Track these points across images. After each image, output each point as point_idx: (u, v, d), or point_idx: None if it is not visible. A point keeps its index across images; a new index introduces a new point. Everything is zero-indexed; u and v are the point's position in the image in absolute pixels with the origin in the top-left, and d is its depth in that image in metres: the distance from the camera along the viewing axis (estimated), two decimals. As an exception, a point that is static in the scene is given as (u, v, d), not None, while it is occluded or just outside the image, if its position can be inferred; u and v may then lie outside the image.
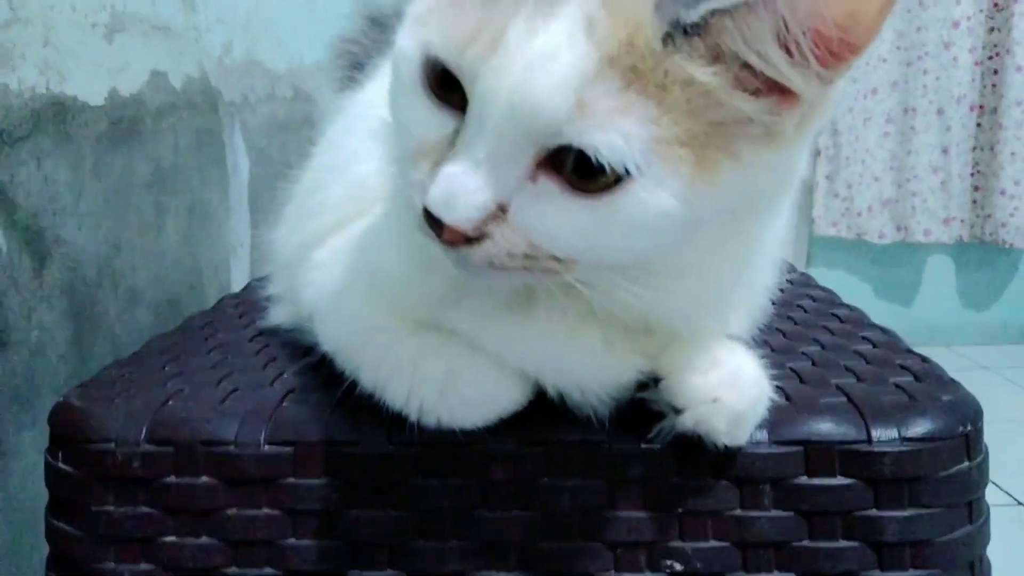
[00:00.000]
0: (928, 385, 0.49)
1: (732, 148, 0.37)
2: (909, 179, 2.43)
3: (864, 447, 0.44)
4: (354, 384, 0.47)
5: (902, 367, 0.52)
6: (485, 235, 0.39)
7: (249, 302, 0.73)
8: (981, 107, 2.43)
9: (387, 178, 0.49)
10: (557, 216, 0.38)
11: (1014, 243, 2.40)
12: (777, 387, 0.47)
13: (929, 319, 2.57)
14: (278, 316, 0.63)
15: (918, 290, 2.59)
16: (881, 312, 2.50)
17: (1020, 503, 1.61)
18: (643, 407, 0.45)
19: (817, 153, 2.44)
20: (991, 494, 1.60)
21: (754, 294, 0.52)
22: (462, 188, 0.38)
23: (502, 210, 0.38)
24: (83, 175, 0.77)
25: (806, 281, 0.77)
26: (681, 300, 0.44)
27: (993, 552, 1.50)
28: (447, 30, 0.38)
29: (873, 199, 2.45)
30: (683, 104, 0.36)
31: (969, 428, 0.46)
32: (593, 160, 0.36)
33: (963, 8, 2.35)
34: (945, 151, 2.43)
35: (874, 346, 0.57)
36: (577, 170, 0.37)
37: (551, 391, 0.46)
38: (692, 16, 0.35)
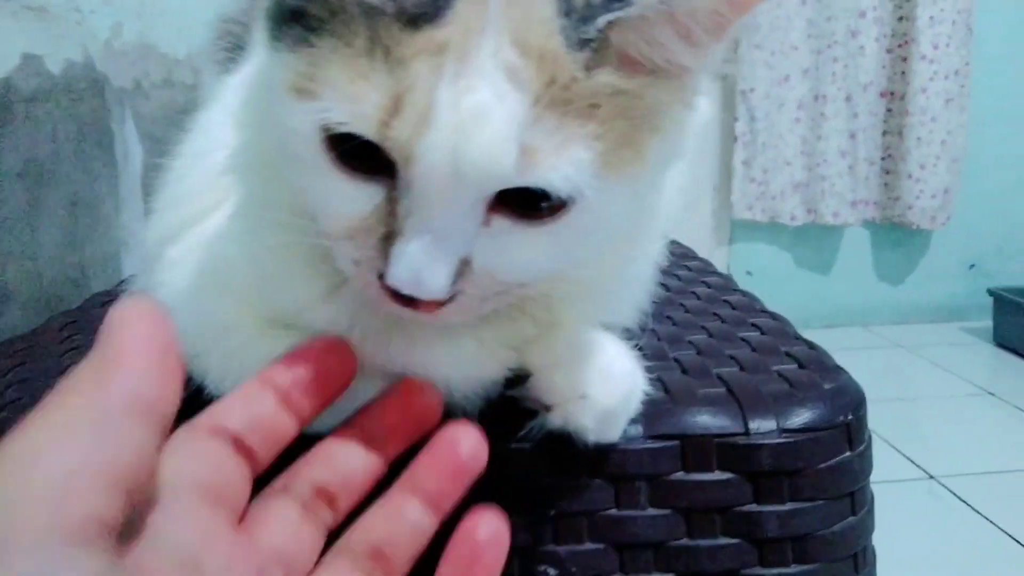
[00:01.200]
0: (811, 373, 0.48)
1: (656, 126, 0.38)
2: (819, 163, 2.48)
3: (742, 439, 0.42)
4: (201, 390, 0.44)
5: (787, 355, 0.51)
6: (458, 292, 0.37)
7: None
8: (892, 93, 2.49)
9: (237, 167, 0.46)
10: (518, 250, 0.38)
11: (920, 224, 2.48)
12: (656, 379, 0.45)
13: (845, 299, 2.64)
14: None
15: (833, 269, 2.65)
16: (799, 292, 2.59)
17: (932, 476, 1.66)
18: (513, 405, 0.43)
19: (735, 139, 2.47)
20: (906, 469, 1.63)
21: (638, 275, 0.51)
22: (427, 263, 0.36)
23: (465, 264, 0.37)
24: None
25: (704, 267, 0.76)
26: (580, 284, 0.44)
27: (909, 526, 1.53)
28: (354, 105, 0.35)
29: (785, 183, 2.49)
30: (615, 110, 0.36)
31: (850, 417, 0.44)
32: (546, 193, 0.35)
33: (870, -2, 2.40)
34: (853, 136, 2.49)
35: (762, 333, 0.56)
36: (525, 203, 0.36)
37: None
38: (592, 32, 0.34)
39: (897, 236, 2.62)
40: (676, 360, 0.51)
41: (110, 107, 1.07)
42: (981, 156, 2.54)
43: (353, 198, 0.37)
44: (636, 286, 0.51)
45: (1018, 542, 1.44)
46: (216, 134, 0.55)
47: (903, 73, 2.45)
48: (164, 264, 0.51)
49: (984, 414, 1.98)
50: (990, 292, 2.42)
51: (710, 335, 0.56)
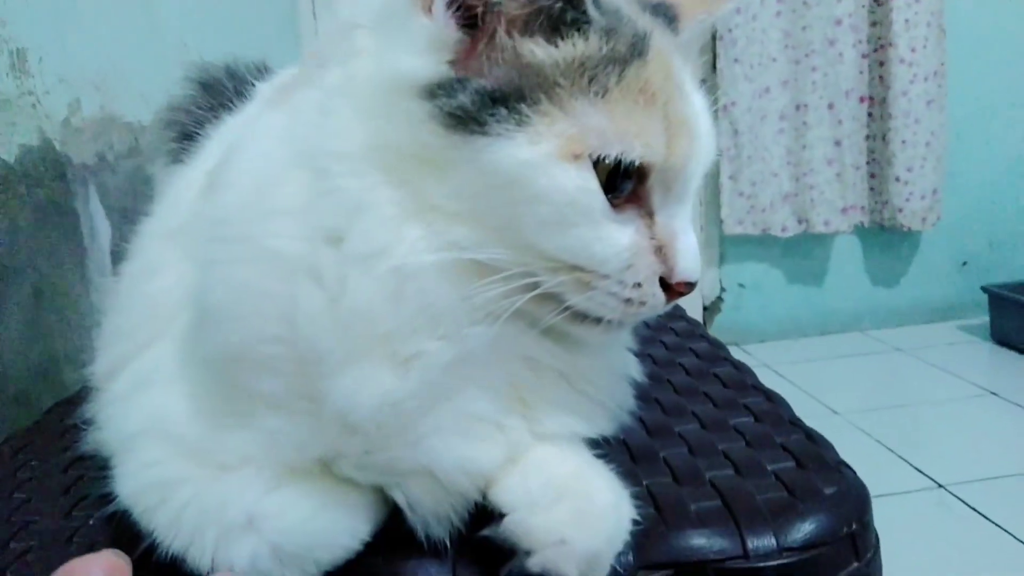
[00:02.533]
0: (810, 474, 0.45)
1: None
2: (806, 173, 2.46)
3: (741, 563, 0.39)
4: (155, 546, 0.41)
5: (784, 448, 0.48)
6: None
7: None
8: (872, 98, 2.47)
9: (185, 303, 0.43)
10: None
11: (911, 226, 2.45)
12: (645, 492, 0.42)
13: (841, 305, 2.62)
14: (94, 442, 0.56)
15: (827, 277, 2.64)
16: (794, 301, 2.56)
17: (940, 485, 1.62)
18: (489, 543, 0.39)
19: (719, 154, 2.45)
20: (913, 479, 1.57)
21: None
22: (695, 243, 0.44)
23: None
24: None
25: (691, 330, 0.73)
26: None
27: (916, 537, 1.48)
28: (650, 139, 0.41)
29: (774, 194, 2.47)
30: None
31: (855, 527, 0.41)
32: None
33: (844, 6, 2.39)
34: (838, 143, 2.47)
35: (756, 419, 0.53)
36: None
37: (403, 501, 0.42)
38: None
39: (887, 239, 2.60)
40: (666, 462, 0.48)
41: (73, 188, 1.04)
42: (964, 154, 2.53)
43: (624, 230, 0.42)
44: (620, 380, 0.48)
45: (1034, 550, 1.40)
46: (148, 255, 0.52)
47: (882, 78, 2.44)
48: (108, 399, 0.48)
49: (988, 416, 1.95)
50: (984, 289, 2.40)
51: (701, 424, 0.53)
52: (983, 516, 1.50)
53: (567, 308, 0.42)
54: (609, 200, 0.41)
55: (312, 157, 0.41)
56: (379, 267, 0.39)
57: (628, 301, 0.42)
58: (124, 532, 0.43)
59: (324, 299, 0.39)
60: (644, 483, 0.43)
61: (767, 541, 0.40)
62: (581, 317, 0.43)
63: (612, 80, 0.40)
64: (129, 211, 1.20)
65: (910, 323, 2.64)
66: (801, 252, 2.60)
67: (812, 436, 0.50)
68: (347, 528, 0.41)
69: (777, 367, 2.36)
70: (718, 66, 2.42)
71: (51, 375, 0.94)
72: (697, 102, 0.43)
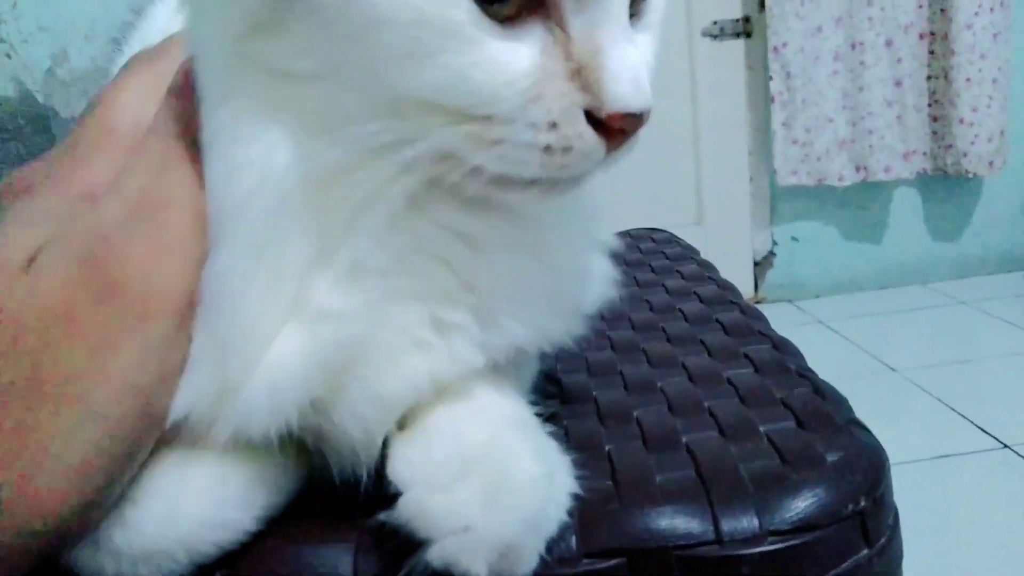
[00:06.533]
0: (812, 435, 0.35)
1: None
2: (864, 116, 2.31)
3: (713, 550, 0.30)
4: None
5: (784, 404, 0.39)
6: None
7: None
8: (932, 34, 2.31)
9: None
10: (645, 50, 0.36)
11: (977, 171, 2.29)
12: (605, 457, 0.34)
13: (901, 257, 2.49)
14: None
15: (886, 229, 2.50)
16: (852, 255, 2.44)
17: (1007, 446, 1.51)
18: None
19: (771, 100, 2.31)
20: (977, 439, 1.46)
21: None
22: (637, 62, 0.32)
23: None
24: None
25: (682, 253, 0.63)
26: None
27: (980, 499, 1.39)
28: None
29: (830, 141, 2.32)
30: None
31: (863, 503, 0.32)
32: None
33: (901, -67, 2.22)
34: (898, 83, 2.31)
35: (756, 369, 0.44)
36: None
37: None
38: None
39: (949, 185, 2.44)
40: (638, 422, 0.39)
41: (59, 142, 0.99)
42: (1024, 92, 2.34)
43: (518, 49, 0.31)
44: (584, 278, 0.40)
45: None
46: None
47: (943, 10, 2.26)
48: None
49: (1057, 370, 1.83)
50: (1054, 237, 2.25)
51: (690, 378, 0.44)
52: (1052, 477, 1.39)
53: (480, 173, 0.32)
54: (493, 10, 0.30)
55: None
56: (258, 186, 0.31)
57: (548, 149, 0.31)
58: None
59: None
60: (607, 448, 0.35)
61: (748, 522, 0.31)
62: (505, 181, 0.32)
63: None
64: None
65: (974, 274, 2.50)
66: (858, 202, 2.46)
67: (820, 390, 0.40)
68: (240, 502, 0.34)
69: (831, 323, 2.24)
70: (766, 4, 2.28)
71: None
72: None
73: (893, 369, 1.89)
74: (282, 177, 0.31)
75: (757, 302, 2.49)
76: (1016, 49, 2.27)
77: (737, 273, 2.48)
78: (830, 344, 2.11)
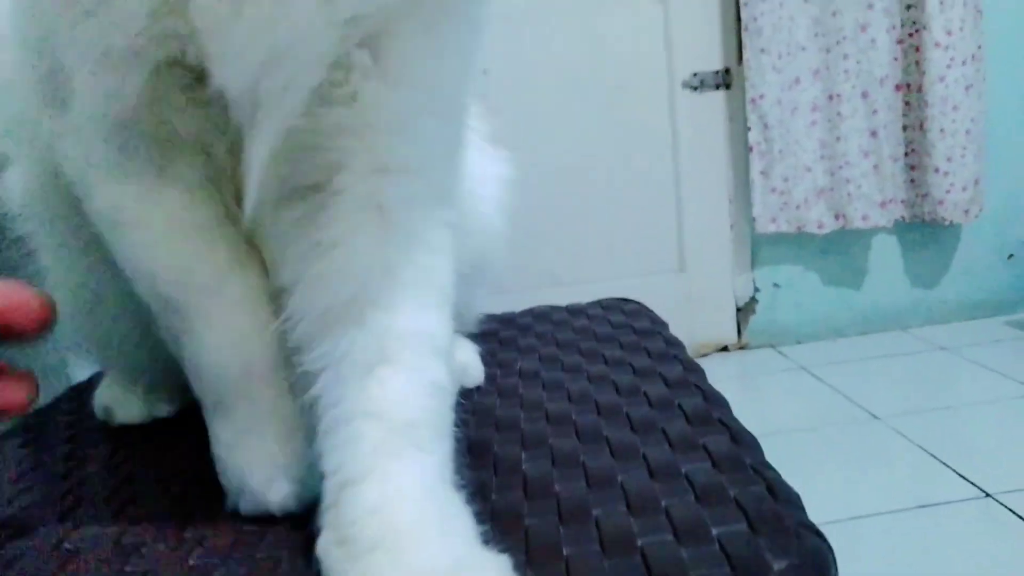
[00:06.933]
0: (760, 539, 0.38)
1: None
2: (841, 166, 2.37)
3: None
4: None
5: (738, 503, 0.41)
6: None
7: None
8: (908, 86, 2.37)
9: None
10: None
11: (953, 219, 2.35)
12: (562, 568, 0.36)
13: (881, 303, 2.52)
14: None
15: (866, 275, 2.55)
16: (833, 301, 2.48)
17: (988, 495, 1.53)
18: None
19: (749, 149, 2.37)
20: (958, 488, 1.47)
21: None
22: None
23: None
24: None
25: (649, 328, 0.66)
26: None
27: (962, 550, 1.39)
28: None
29: (808, 190, 2.38)
30: None
31: None
32: None
33: (876, -12, 2.28)
34: (874, 134, 2.37)
35: (713, 463, 0.46)
36: None
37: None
38: None
39: (928, 233, 2.49)
40: (597, 524, 0.41)
41: None
42: (1005, 142, 2.41)
43: None
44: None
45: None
46: None
47: (917, 63, 2.33)
48: None
49: (1039, 418, 1.85)
50: (1032, 283, 2.29)
51: (650, 472, 0.46)
52: (1034, 526, 1.41)
53: None
54: None
55: None
56: None
57: None
58: None
59: None
60: (565, 553, 0.37)
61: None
62: None
63: None
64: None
65: (954, 320, 2.54)
66: (838, 249, 2.50)
67: (774, 488, 0.43)
68: None
69: (814, 369, 2.27)
70: (744, 57, 2.34)
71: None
72: None
73: (876, 417, 1.91)
74: None
75: (740, 347, 2.52)
76: (991, 100, 2.33)
77: (720, 319, 2.51)
78: (813, 391, 2.14)
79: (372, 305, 0.43)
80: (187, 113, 0.42)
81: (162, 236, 0.44)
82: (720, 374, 2.39)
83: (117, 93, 0.40)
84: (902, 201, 2.42)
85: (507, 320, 0.76)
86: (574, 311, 0.78)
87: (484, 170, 0.63)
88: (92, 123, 0.43)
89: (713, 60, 2.46)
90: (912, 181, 2.42)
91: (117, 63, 0.39)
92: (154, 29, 0.37)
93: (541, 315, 0.78)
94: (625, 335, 0.69)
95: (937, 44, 2.26)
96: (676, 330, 0.69)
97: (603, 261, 2.41)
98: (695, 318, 2.48)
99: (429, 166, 0.47)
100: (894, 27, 2.34)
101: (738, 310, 2.54)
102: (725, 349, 2.53)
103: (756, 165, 2.38)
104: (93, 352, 0.66)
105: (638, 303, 0.79)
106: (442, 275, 0.47)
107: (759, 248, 2.52)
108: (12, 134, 0.54)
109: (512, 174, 0.66)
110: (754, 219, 2.41)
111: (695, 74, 2.44)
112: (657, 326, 0.71)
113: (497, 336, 0.73)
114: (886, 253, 2.53)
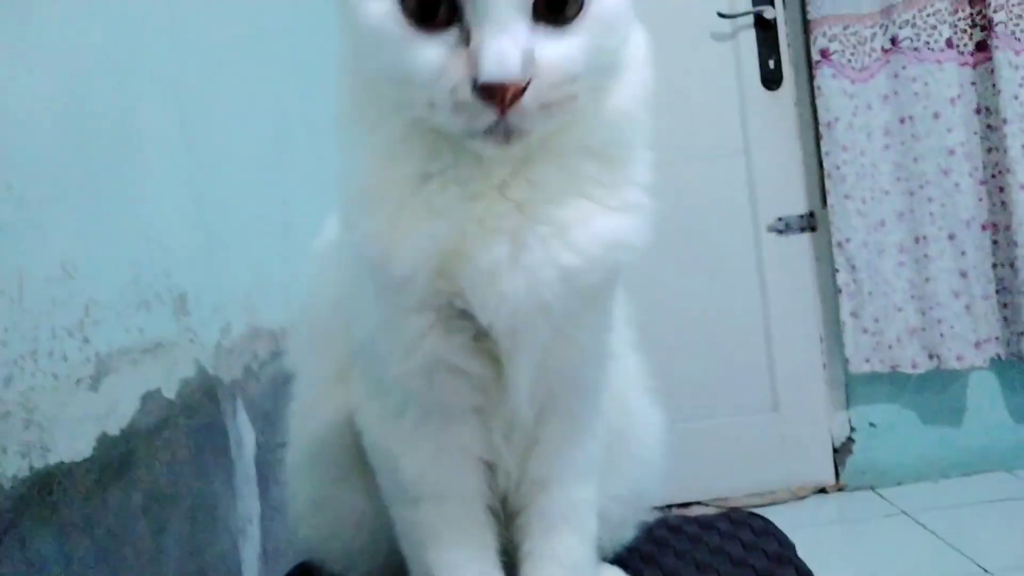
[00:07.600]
0: None
1: None
2: (932, 306, 2.40)
3: None
4: None
5: None
6: (532, 76, 0.49)
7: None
8: (995, 225, 2.41)
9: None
10: (562, 46, 0.50)
11: (1052, 355, 2.33)
12: None
13: (982, 444, 2.48)
14: None
15: (965, 414, 2.51)
16: (932, 441, 2.46)
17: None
18: None
19: (838, 290, 2.42)
20: None
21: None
22: (506, 47, 0.47)
23: (529, 55, 0.49)
24: (70, 541, 0.77)
25: (783, 553, 0.73)
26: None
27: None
28: None
29: (900, 329, 2.41)
30: None
31: None
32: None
33: (956, 135, 2.36)
34: (964, 274, 2.40)
35: None
36: (551, 9, 0.50)
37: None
38: None
39: (1024, 371, 2.46)
40: None
41: (223, 406, 1.14)
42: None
43: (433, 48, 0.50)
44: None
45: None
46: None
47: (1004, 203, 2.38)
48: None
49: None
50: None
51: None
52: None
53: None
54: (422, 24, 0.50)
55: None
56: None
57: (456, 107, 0.49)
58: None
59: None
60: None
61: None
62: (462, 134, 0.52)
63: None
64: (271, 414, 1.29)
65: (1063, 461, 2.47)
66: (935, 388, 2.49)
67: None
68: None
69: (917, 515, 2.23)
70: (828, 203, 2.43)
71: (204, 589, 1.01)
72: None
73: (987, 571, 1.87)
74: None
75: (839, 489, 2.50)
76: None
77: (816, 459, 2.51)
78: (918, 540, 2.10)
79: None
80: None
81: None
82: (820, 518, 2.38)
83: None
84: (996, 339, 2.42)
85: (645, 531, 0.83)
86: (704, 524, 0.85)
87: (648, 417, 0.76)
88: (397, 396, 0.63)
89: (798, 205, 2.55)
90: (1006, 319, 2.43)
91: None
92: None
93: (675, 528, 0.85)
94: (756, 557, 0.76)
95: (1022, 186, 2.31)
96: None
97: (697, 400, 2.46)
98: (790, 458, 2.49)
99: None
100: (976, 170, 2.40)
101: (835, 451, 2.54)
102: (823, 491, 2.51)
103: (846, 306, 2.43)
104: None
105: (764, 520, 0.85)
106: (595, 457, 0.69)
107: (854, 387, 2.53)
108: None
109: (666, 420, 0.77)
110: (847, 359, 2.44)
111: (780, 218, 2.53)
112: (786, 548, 0.78)
113: (639, 552, 0.80)
114: (985, 391, 2.50)
